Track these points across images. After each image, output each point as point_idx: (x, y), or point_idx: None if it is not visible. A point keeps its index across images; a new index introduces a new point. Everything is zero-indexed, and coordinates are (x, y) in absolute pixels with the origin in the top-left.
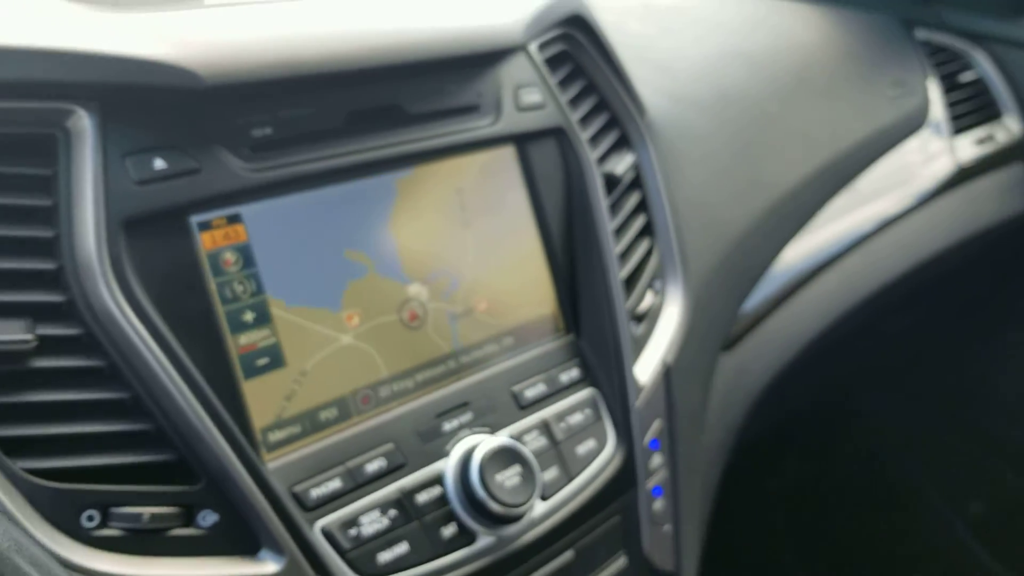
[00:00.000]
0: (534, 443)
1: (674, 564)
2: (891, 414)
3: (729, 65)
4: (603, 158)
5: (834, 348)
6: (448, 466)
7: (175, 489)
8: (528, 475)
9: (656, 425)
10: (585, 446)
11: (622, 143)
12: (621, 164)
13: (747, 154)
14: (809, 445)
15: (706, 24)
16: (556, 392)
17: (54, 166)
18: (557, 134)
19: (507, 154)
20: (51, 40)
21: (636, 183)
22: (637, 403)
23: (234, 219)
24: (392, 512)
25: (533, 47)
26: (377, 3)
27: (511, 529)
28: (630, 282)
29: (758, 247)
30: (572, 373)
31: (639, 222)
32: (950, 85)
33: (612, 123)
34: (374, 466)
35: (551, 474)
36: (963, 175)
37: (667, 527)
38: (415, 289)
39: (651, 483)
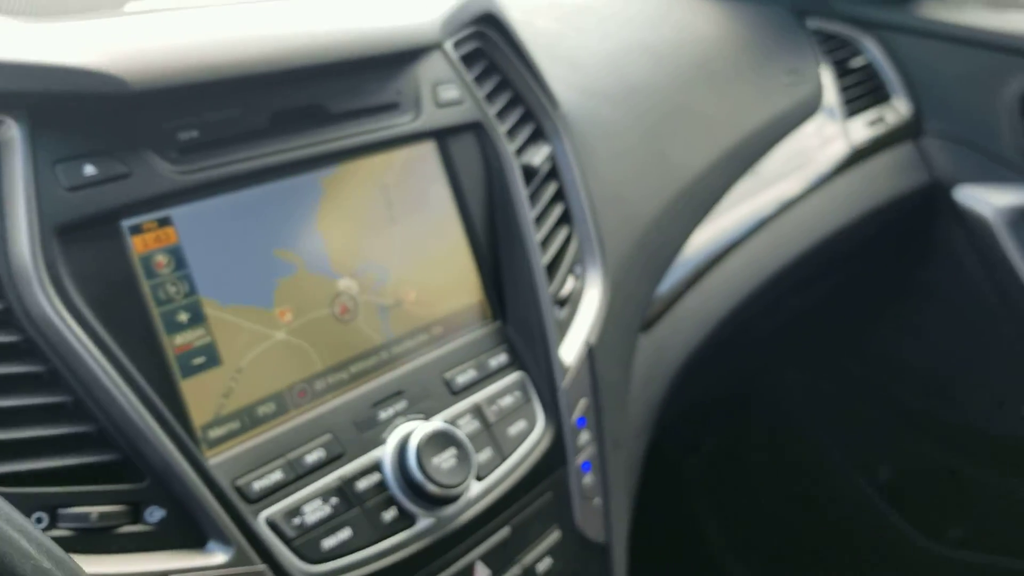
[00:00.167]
0: (468, 426)
1: (605, 535)
2: (803, 387)
3: (635, 59)
4: (520, 150)
5: (746, 326)
6: (385, 453)
7: (121, 488)
8: (463, 457)
9: (582, 403)
10: (516, 427)
11: (538, 135)
12: (538, 155)
13: (655, 142)
14: (726, 421)
15: (612, 20)
16: (486, 377)
17: None
18: (476, 128)
19: (428, 149)
20: None
21: (553, 173)
22: (563, 383)
23: (164, 222)
24: (333, 500)
25: (448, 45)
26: (297, 6)
27: (449, 510)
28: (552, 268)
29: (670, 230)
30: (501, 358)
31: (557, 211)
32: (841, 71)
33: (527, 117)
34: (313, 457)
35: (485, 455)
36: (857, 156)
37: (597, 500)
38: (345, 284)
39: (580, 459)
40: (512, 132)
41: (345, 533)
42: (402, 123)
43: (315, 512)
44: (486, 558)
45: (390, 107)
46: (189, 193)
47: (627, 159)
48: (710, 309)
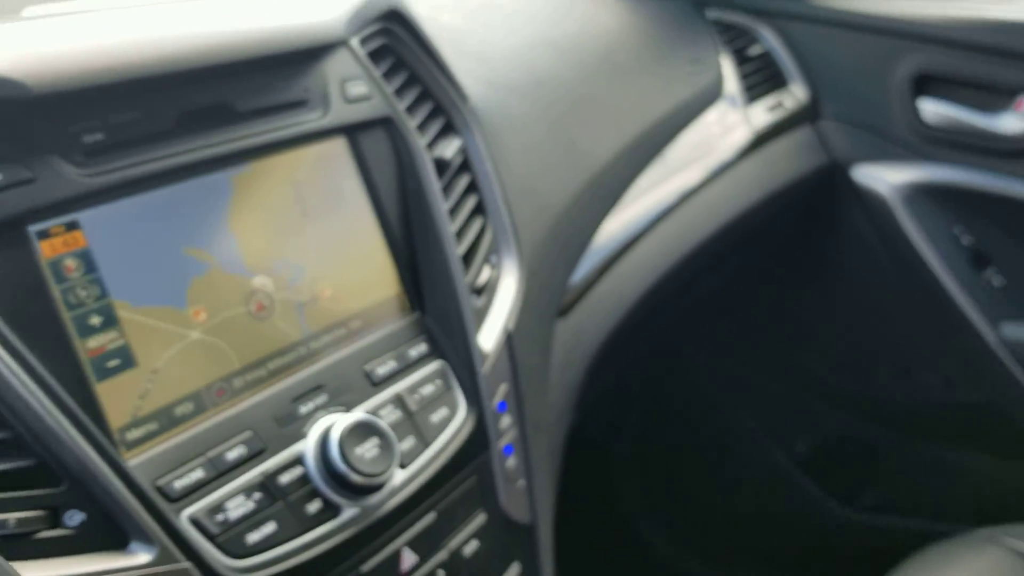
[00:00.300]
0: (390, 416)
1: (530, 516)
2: (719, 366)
3: (540, 53)
4: (432, 144)
5: (659, 308)
6: (307, 446)
7: (39, 492)
8: (386, 446)
9: (503, 388)
10: (438, 414)
11: (448, 129)
12: (449, 148)
13: (563, 133)
14: (648, 403)
15: (517, 16)
16: (407, 367)
17: None
18: (386, 123)
19: (339, 145)
20: None
21: (465, 166)
22: (483, 370)
23: (72, 226)
24: (257, 495)
25: (355, 42)
26: (201, 6)
27: (374, 499)
28: (468, 258)
29: (582, 218)
30: (420, 348)
31: (471, 202)
32: (740, 59)
33: (437, 111)
34: (234, 454)
35: (408, 443)
36: (759, 140)
37: (521, 482)
38: (260, 281)
39: (502, 443)
40: (423, 126)
41: (270, 527)
42: (311, 120)
43: (238, 508)
44: (412, 544)
45: (298, 104)
46: (96, 196)
47: (537, 150)
48: (624, 293)
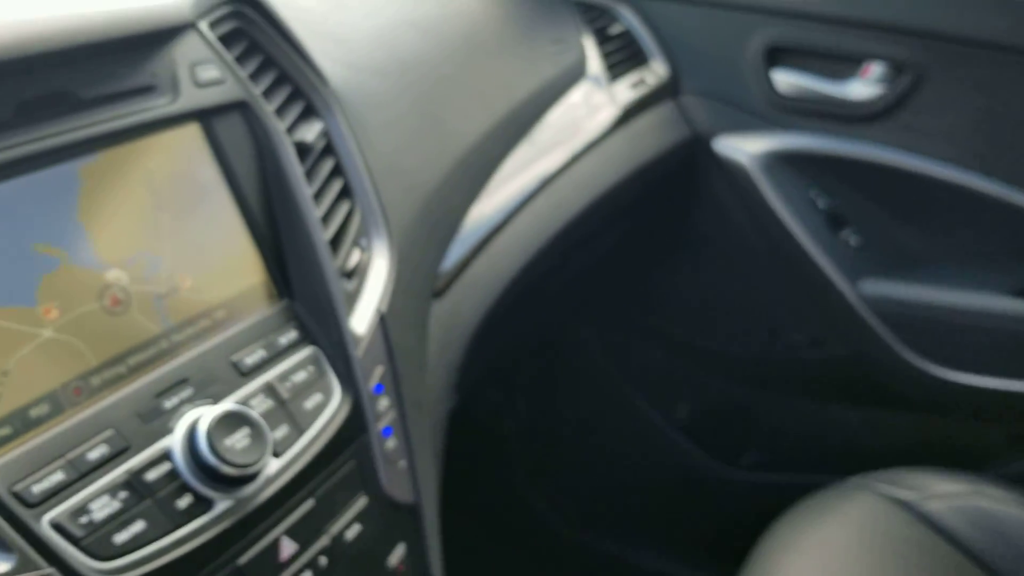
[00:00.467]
0: (261, 406)
1: (414, 496)
2: (600, 340)
3: (402, 34)
4: (292, 128)
5: (536, 285)
6: (174, 441)
7: None
8: (257, 435)
9: (379, 371)
10: (312, 400)
11: (309, 112)
12: (310, 132)
13: (430, 114)
14: (535, 380)
15: None
16: (277, 355)
17: None
18: (241, 108)
19: (193, 131)
20: None
21: (329, 150)
22: (357, 353)
23: None
24: (122, 494)
25: (204, 25)
26: None
27: (248, 489)
28: (336, 242)
29: (452, 198)
30: (290, 335)
31: (337, 186)
32: (602, 38)
33: (296, 94)
34: (96, 453)
35: (282, 431)
36: (624, 117)
37: (402, 463)
38: (114, 275)
39: (381, 424)
40: (281, 110)
41: (138, 526)
42: (159, 106)
43: (103, 509)
44: (291, 532)
45: (145, 90)
46: None
47: (403, 131)
48: (499, 271)
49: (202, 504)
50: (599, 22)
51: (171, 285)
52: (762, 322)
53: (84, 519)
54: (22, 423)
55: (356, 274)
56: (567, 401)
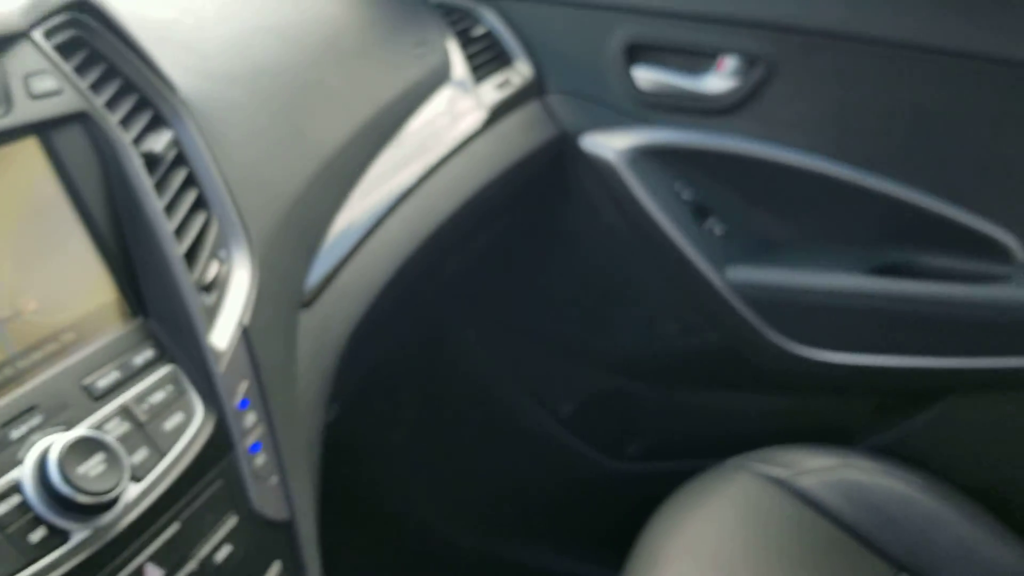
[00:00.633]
0: (117, 429)
1: (287, 512)
2: (484, 341)
3: (259, 41)
4: (139, 139)
5: (411, 289)
6: (24, 472)
7: None
8: (113, 460)
9: (243, 386)
10: (172, 421)
11: (157, 122)
12: (159, 142)
13: (290, 121)
14: (418, 385)
15: (232, 5)
16: (132, 376)
17: None
18: (82, 119)
19: (31, 146)
20: None
21: (181, 160)
22: (219, 369)
23: None
24: None
25: (38, 34)
26: None
27: (106, 518)
28: (192, 256)
29: (317, 205)
30: (147, 354)
31: (191, 197)
32: (465, 40)
33: (143, 104)
34: None
35: (140, 455)
36: (491, 118)
37: (273, 479)
38: None
39: (248, 441)
40: (127, 121)
41: None
42: None
43: None
44: (156, 558)
45: None
46: None
47: (261, 139)
48: (370, 278)
49: (57, 536)
50: (461, 24)
51: (13, 309)
52: (638, 314)
53: None
54: None
55: (215, 287)
56: (453, 406)
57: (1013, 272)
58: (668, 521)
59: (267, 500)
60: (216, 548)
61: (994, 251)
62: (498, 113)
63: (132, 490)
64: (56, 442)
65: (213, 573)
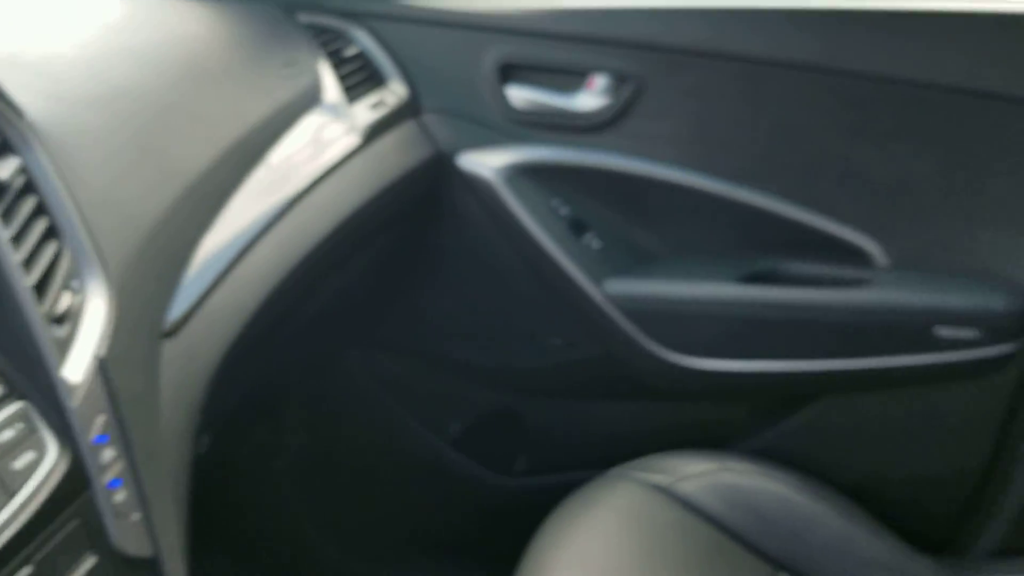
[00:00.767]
0: None
1: (152, 549)
2: (369, 365)
3: (117, 63)
4: None
5: (285, 314)
6: None
7: None
8: None
9: (100, 420)
10: (23, 460)
11: (3, 149)
12: (5, 169)
13: (150, 144)
14: (304, 412)
15: (88, 28)
16: None
17: None
18: None
19: None
20: None
21: (30, 187)
22: (73, 403)
23: None
24: None
25: None
26: None
27: None
28: (43, 287)
29: (181, 231)
30: None
31: (41, 226)
32: (337, 60)
33: None
34: None
35: None
36: (365, 138)
37: (135, 515)
38: None
39: (107, 477)
40: None
41: None
42: None
43: None
44: None
45: None
46: None
47: (119, 163)
48: (240, 304)
49: None
50: (333, 45)
51: None
52: (521, 331)
53: None
54: None
55: (68, 318)
56: (339, 430)
57: (875, 276)
58: (553, 533)
59: (129, 537)
60: None
61: (857, 257)
62: (373, 133)
63: None
64: None
65: None
